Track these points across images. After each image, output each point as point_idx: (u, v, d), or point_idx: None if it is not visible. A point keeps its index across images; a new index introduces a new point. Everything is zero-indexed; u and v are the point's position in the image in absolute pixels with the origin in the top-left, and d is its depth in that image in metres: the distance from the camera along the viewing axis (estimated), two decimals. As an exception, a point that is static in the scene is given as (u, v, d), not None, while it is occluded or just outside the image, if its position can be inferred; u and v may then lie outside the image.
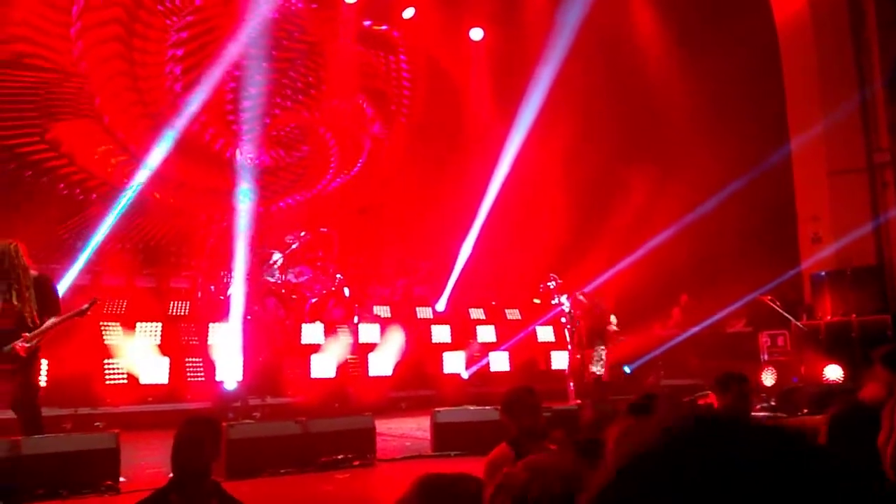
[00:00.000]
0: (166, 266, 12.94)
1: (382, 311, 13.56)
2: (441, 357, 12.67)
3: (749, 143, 13.06)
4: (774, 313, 11.75)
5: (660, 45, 15.26)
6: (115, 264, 11.95)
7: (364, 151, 16.36)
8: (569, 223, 13.84)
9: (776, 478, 0.66)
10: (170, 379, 10.37)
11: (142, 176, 12.92)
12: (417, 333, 12.88)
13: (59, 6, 12.84)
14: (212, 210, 13.74)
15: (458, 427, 7.94)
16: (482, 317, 14.25)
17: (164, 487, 3.72)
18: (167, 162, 13.13)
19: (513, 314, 14.39)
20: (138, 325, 10.45)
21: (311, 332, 11.89)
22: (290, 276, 12.73)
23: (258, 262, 12.36)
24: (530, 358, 13.33)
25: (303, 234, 12.97)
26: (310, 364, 11.34)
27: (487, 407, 7.93)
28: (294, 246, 12.76)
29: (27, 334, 6.31)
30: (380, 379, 11.92)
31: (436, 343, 13.04)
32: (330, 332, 12.02)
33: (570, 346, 10.60)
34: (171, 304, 11.54)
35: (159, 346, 10.48)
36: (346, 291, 13.20)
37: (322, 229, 13.72)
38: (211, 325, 11.01)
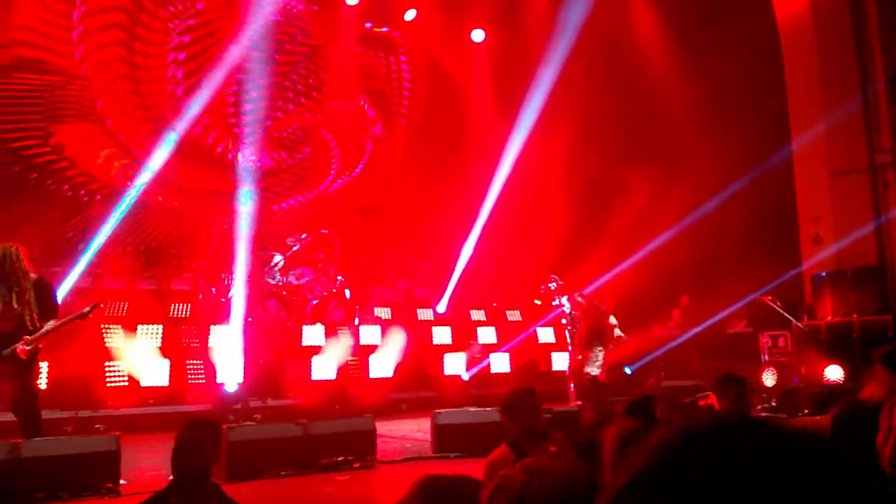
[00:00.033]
0: (167, 268, 12.96)
1: (383, 312, 13.57)
2: (442, 358, 12.67)
3: (750, 143, 13.06)
4: (775, 314, 11.74)
5: (660, 45, 15.26)
6: (116, 267, 11.97)
7: (365, 153, 16.37)
8: (569, 224, 13.84)
9: (778, 479, 0.68)
10: (171, 381, 10.37)
11: (144, 178, 12.94)
12: (418, 335, 12.87)
13: (60, 10, 12.86)
14: (213, 212, 13.75)
15: (458, 429, 7.93)
16: (483, 318, 14.25)
17: (164, 490, 3.72)
18: (169, 165, 13.16)
19: (513, 315, 14.40)
20: (139, 327, 10.46)
21: (312, 334, 11.89)
22: (292, 278, 12.73)
23: (259, 264, 12.37)
24: (531, 359, 13.33)
25: (304, 236, 12.99)
26: (310, 366, 11.34)
27: (488, 408, 7.91)
28: (295, 248, 12.77)
29: (27, 337, 6.31)
30: (380, 380, 11.92)
31: (436, 344, 13.03)
32: (331, 333, 12.02)
33: (570, 348, 10.59)
34: (172, 307, 11.55)
35: (160, 348, 10.49)
36: (347, 293, 13.21)
37: (323, 231, 13.73)
38: (212, 327, 11.02)
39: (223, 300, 11.76)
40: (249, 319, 11.24)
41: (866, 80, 12.78)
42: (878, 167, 12.70)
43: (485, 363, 12.90)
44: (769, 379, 11.18)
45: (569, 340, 10.63)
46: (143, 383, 10.16)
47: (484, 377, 12.65)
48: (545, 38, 14.44)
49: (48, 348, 8.22)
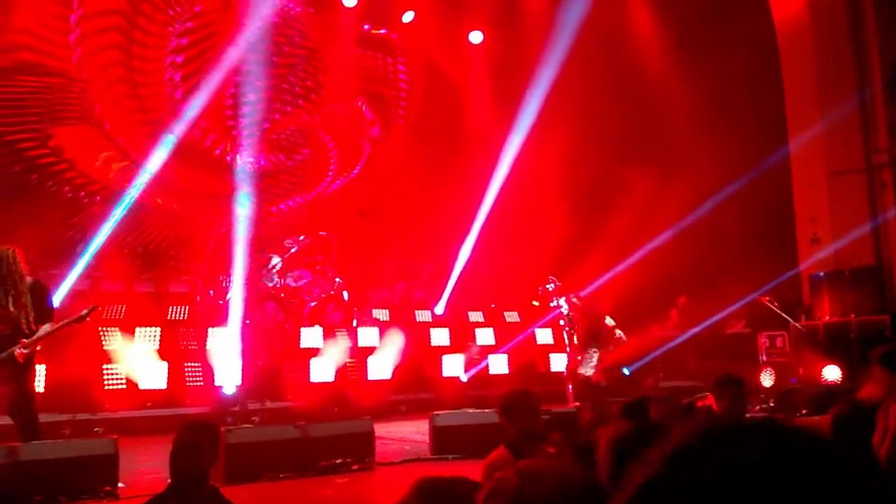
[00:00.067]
0: (165, 271, 12.96)
1: (381, 314, 13.57)
2: (440, 360, 12.67)
3: (748, 143, 13.08)
4: (773, 314, 11.76)
5: (659, 46, 15.28)
6: (114, 269, 11.97)
7: (363, 155, 16.38)
8: (568, 225, 13.84)
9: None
10: (169, 384, 10.37)
11: (143, 181, 12.94)
12: (416, 337, 12.87)
13: (58, 14, 12.86)
14: (211, 215, 13.75)
15: (457, 430, 7.93)
16: (481, 319, 14.24)
17: (163, 493, 3.72)
18: (168, 167, 13.16)
19: (512, 317, 14.39)
20: (137, 329, 10.46)
21: (311, 336, 11.88)
22: (290, 280, 12.74)
23: (257, 266, 12.37)
24: (529, 360, 13.32)
25: (302, 238, 12.99)
26: (309, 368, 11.33)
27: (486, 410, 7.91)
28: (293, 250, 12.78)
29: (25, 340, 6.31)
30: (379, 382, 11.91)
31: (435, 346, 13.03)
32: (329, 335, 12.01)
33: (568, 349, 10.59)
34: (170, 309, 11.55)
35: (158, 350, 10.48)
36: (346, 295, 13.21)
37: (321, 233, 13.73)
38: (210, 329, 11.01)
39: (221, 302, 11.76)
40: (247, 322, 11.24)
41: (863, 81, 12.81)
42: (874, 167, 12.73)
43: (483, 364, 12.90)
44: (767, 379, 11.19)
45: (567, 342, 10.64)
46: (142, 386, 10.16)
47: (482, 378, 12.64)
48: (543, 39, 14.45)
49: (46, 351, 8.22)
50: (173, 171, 13.41)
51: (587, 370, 10.28)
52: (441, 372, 12.54)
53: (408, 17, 16.05)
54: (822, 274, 12.49)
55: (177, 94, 14.00)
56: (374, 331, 12.60)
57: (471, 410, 8.64)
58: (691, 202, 13.22)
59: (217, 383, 10.43)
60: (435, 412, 8.30)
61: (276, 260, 12.59)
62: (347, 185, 16.05)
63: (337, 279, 13.28)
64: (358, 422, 7.83)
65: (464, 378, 12.67)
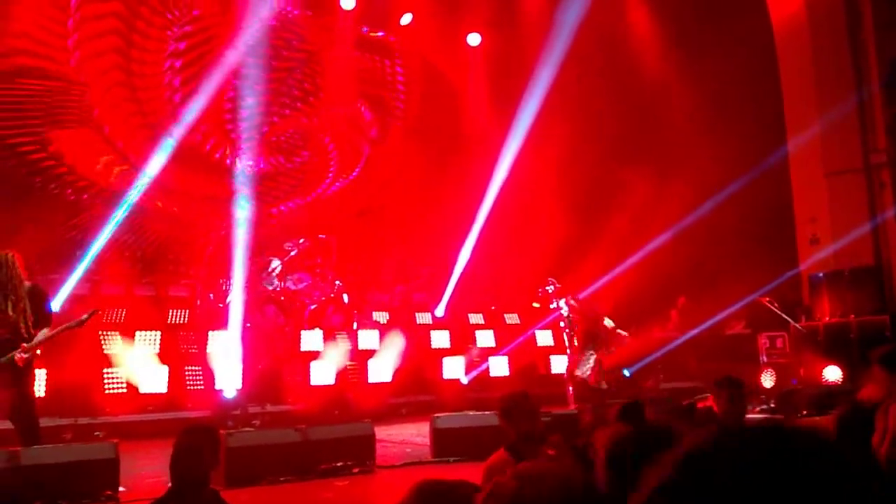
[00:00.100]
0: (165, 275, 12.95)
1: (381, 317, 13.57)
2: (440, 362, 12.66)
3: (747, 144, 13.09)
4: (773, 315, 11.76)
5: (657, 47, 15.30)
6: (114, 273, 11.96)
7: (363, 157, 16.39)
8: (567, 226, 13.85)
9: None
10: (169, 387, 10.36)
11: (142, 184, 12.95)
12: (417, 339, 12.87)
13: (56, 18, 12.87)
14: (211, 218, 13.75)
15: (457, 433, 7.92)
16: (481, 321, 14.24)
17: (163, 497, 3.72)
18: (167, 171, 13.17)
19: (512, 319, 14.39)
20: (137, 333, 10.45)
21: (311, 339, 11.88)
22: (289, 284, 12.74)
23: (257, 269, 12.38)
24: (530, 362, 13.32)
25: (301, 241, 12.99)
26: (309, 371, 11.32)
27: (487, 412, 7.90)
28: (293, 253, 12.79)
29: (25, 345, 6.31)
30: (379, 385, 11.90)
31: (435, 348, 13.02)
32: (329, 338, 12.01)
33: (568, 351, 10.60)
34: (171, 313, 11.55)
35: (158, 354, 10.48)
36: (346, 298, 13.21)
37: (321, 236, 13.73)
38: (210, 333, 11.01)
39: (221, 306, 11.77)
40: (248, 325, 11.25)
41: (861, 81, 12.83)
42: (873, 167, 12.74)
43: (483, 366, 12.89)
44: (768, 380, 11.20)
45: (567, 343, 10.65)
46: (142, 390, 10.15)
47: (483, 381, 12.64)
48: (542, 40, 14.47)
49: (46, 355, 8.22)
50: (173, 175, 13.42)
51: (583, 372, 10.29)
52: (441, 374, 12.54)
53: (406, 19, 16.08)
54: (821, 274, 12.49)
55: (176, 98, 14.01)
56: (375, 333, 12.60)
57: (471, 413, 8.63)
58: (690, 203, 13.23)
59: (217, 387, 10.42)
60: (435, 415, 8.30)
61: (275, 263, 12.59)
62: (347, 187, 16.06)
63: (337, 282, 13.28)
64: (358, 425, 7.83)
65: (464, 380, 12.67)
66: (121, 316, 10.82)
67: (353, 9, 15.51)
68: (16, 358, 6.28)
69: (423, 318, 13.94)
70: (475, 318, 14.24)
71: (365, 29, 16.41)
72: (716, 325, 12.54)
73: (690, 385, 10.97)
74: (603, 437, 2.17)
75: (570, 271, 12.10)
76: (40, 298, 6.62)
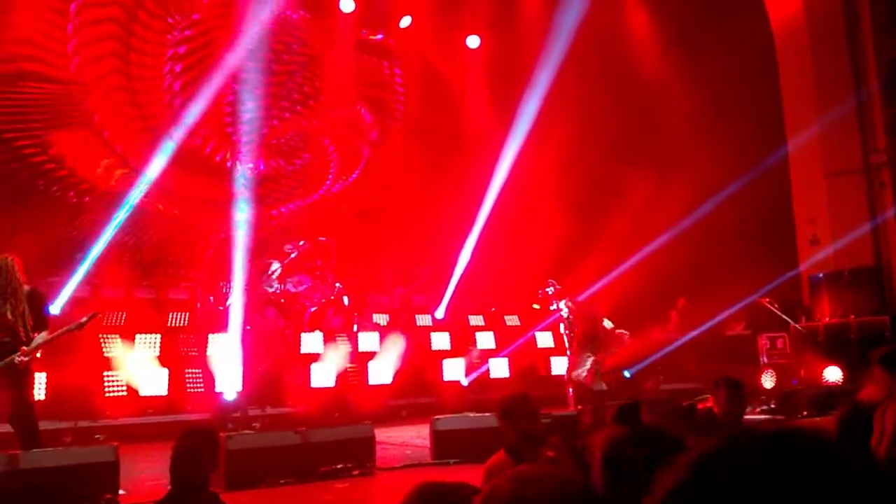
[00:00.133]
0: (165, 277, 12.95)
1: (381, 319, 13.56)
2: (441, 364, 12.65)
3: (747, 144, 13.10)
4: (773, 316, 11.76)
5: (656, 48, 15.32)
6: (114, 276, 11.96)
7: (362, 158, 16.40)
8: (567, 228, 13.85)
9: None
10: (169, 390, 10.35)
11: (143, 187, 12.97)
12: (417, 341, 12.86)
13: (55, 23, 12.88)
14: (212, 221, 13.76)
15: (458, 434, 7.92)
16: (481, 323, 14.23)
17: (163, 500, 3.73)
18: (168, 174, 13.18)
19: (512, 320, 14.38)
20: (137, 336, 10.45)
21: (311, 342, 11.88)
22: (289, 286, 12.74)
23: (257, 272, 12.38)
24: (530, 364, 13.32)
25: (301, 243, 13.00)
26: (309, 373, 11.32)
27: (487, 414, 7.90)
28: (293, 255, 12.79)
29: (25, 348, 6.31)
30: (379, 387, 11.90)
31: (435, 350, 13.02)
32: (329, 340, 12.01)
33: (568, 352, 10.59)
34: (171, 316, 11.55)
35: (159, 357, 10.48)
36: (346, 300, 13.21)
37: (321, 238, 13.74)
38: (210, 335, 11.01)
39: (221, 308, 11.77)
40: (248, 327, 11.24)
41: (860, 82, 12.85)
42: (872, 168, 12.75)
43: (484, 368, 12.89)
44: (768, 381, 11.19)
45: (567, 345, 10.65)
46: (142, 393, 10.15)
47: (483, 382, 12.63)
48: (541, 42, 14.48)
49: (47, 359, 8.22)
50: (174, 178, 13.43)
51: (579, 375, 10.29)
52: (442, 376, 12.53)
53: (405, 21, 16.09)
54: (821, 275, 12.50)
55: (176, 102, 14.02)
56: (375, 335, 12.60)
57: (472, 414, 8.63)
58: (690, 204, 13.23)
59: (217, 389, 10.42)
60: (436, 416, 8.28)
61: (275, 265, 12.60)
62: (347, 189, 16.07)
63: (337, 284, 13.28)
64: (358, 427, 7.83)
65: (464, 382, 12.66)
66: (121, 319, 10.82)
67: (353, 11, 15.53)
68: (15, 361, 6.28)
69: (424, 319, 13.93)
70: (475, 320, 14.24)
71: (364, 32, 16.42)
72: (716, 326, 12.54)
73: (691, 386, 10.96)
74: (599, 439, 2.17)
75: (570, 273, 12.10)
76: (39, 302, 6.63)
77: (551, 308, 10.78)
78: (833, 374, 10.68)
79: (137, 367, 10.18)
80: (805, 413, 9.12)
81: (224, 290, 11.96)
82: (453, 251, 14.79)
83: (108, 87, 13.47)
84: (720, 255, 13.56)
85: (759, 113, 13.70)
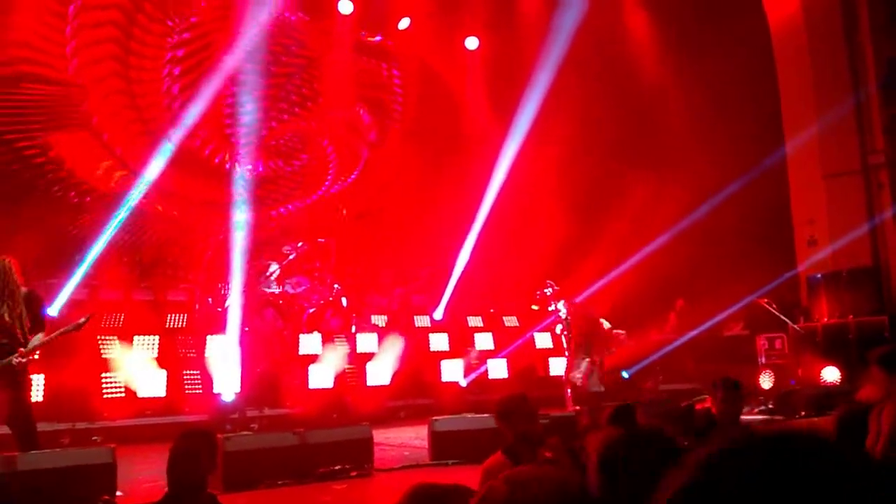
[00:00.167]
0: (163, 279, 12.94)
1: (380, 320, 13.55)
2: (439, 365, 12.65)
3: (745, 146, 13.11)
4: (771, 316, 11.76)
5: (655, 49, 15.33)
6: (112, 278, 11.96)
7: (361, 159, 16.39)
8: (566, 229, 13.86)
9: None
10: (167, 392, 10.35)
11: (142, 189, 12.96)
12: (415, 342, 12.86)
13: (54, 26, 12.88)
14: (210, 222, 13.75)
15: (456, 435, 7.92)
16: (480, 324, 14.23)
17: (160, 501, 3.71)
18: (168, 176, 13.17)
19: (510, 321, 14.38)
20: (136, 338, 10.44)
21: (309, 343, 11.88)
22: (288, 287, 12.73)
23: (255, 273, 12.37)
24: (529, 364, 13.32)
25: (300, 244, 12.99)
26: (308, 374, 11.32)
27: (486, 415, 7.88)
28: (291, 256, 12.78)
29: (22, 349, 6.31)
30: (378, 388, 11.89)
31: (434, 351, 13.01)
32: (328, 341, 12.00)
33: (567, 353, 10.59)
34: (169, 317, 11.54)
35: (157, 359, 10.47)
36: (344, 301, 13.20)
37: (319, 239, 13.73)
38: (208, 337, 11.01)
39: (220, 310, 11.75)
40: (246, 329, 11.24)
41: (858, 82, 12.85)
42: (871, 168, 12.75)
43: (482, 369, 12.88)
44: (766, 381, 11.20)
45: (566, 346, 10.64)
46: (140, 394, 10.14)
47: (482, 383, 12.63)
48: (539, 43, 14.48)
49: (45, 360, 8.22)
50: (172, 179, 13.43)
51: (574, 377, 10.29)
52: (440, 377, 12.53)
53: (404, 23, 16.09)
54: (819, 275, 12.51)
55: (175, 105, 14.01)
56: (373, 336, 12.59)
57: (470, 415, 8.63)
58: (689, 205, 13.24)
59: (216, 391, 10.42)
60: (434, 417, 8.28)
61: (274, 267, 12.59)
62: (345, 189, 16.06)
63: (335, 285, 13.27)
64: (356, 428, 7.82)
65: (463, 383, 12.66)
66: (119, 320, 10.81)
67: (352, 13, 15.53)
68: (13, 362, 6.28)
69: (422, 320, 13.92)
70: (474, 321, 14.23)
71: (363, 33, 16.42)
72: (714, 326, 12.55)
73: (689, 387, 10.97)
74: (595, 441, 2.17)
75: (569, 273, 12.11)
76: (36, 304, 6.63)
77: (550, 309, 10.78)
78: (831, 374, 10.69)
79: (135, 368, 10.18)
80: (803, 413, 9.13)
81: (222, 292, 11.95)
82: (452, 252, 14.78)
83: (108, 90, 13.46)
84: (719, 255, 13.56)
85: (758, 114, 13.72)
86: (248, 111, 14.43)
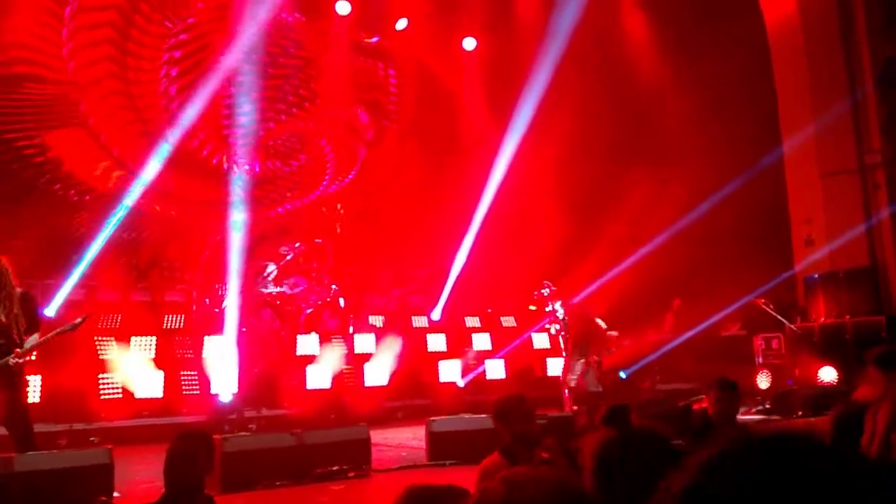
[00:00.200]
0: (161, 280, 12.93)
1: (377, 320, 13.55)
2: (437, 366, 12.66)
3: (743, 145, 13.13)
4: (769, 316, 11.78)
5: (653, 50, 15.34)
6: (109, 279, 11.95)
7: (359, 160, 16.39)
8: (563, 229, 13.87)
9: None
10: (165, 393, 10.35)
11: (139, 189, 12.95)
12: (413, 342, 12.87)
13: (51, 27, 12.86)
14: (208, 223, 13.74)
15: (453, 436, 7.92)
16: (477, 325, 14.24)
17: (157, 502, 3.71)
18: (165, 176, 13.16)
19: (508, 321, 14.39)
20: (133, 339, 10.44)
21: (307, 343, 11.88)
22: (285, 288, 12.72)
23: (253, 274, 12.36)
24: (526, 365, 13.33)
25: (297, 244, 12.98)
26: (305, 375, 11.32)
27: (483, 415, 7.88)
28: (289, 257, 12.78)
29: (19, 350, 6.30)
30: (375, 389, 11.90)
31: (431, 352, 13.02)
32: (325, 342, 12.00)
33: (564, 354, 10.60)
34: (166, 318, 11.54)
35: (154, 359, 10.46)
36: (342, 302, 13.20)
37: (317, 240, 13.73)
38: (206, 338, 11.00)
39: (217, 311, 11.75)
40: (243, 329, 11.23)
41: (854, 82, 12.87)
42: (867, 168, 12.77)
43: (480, 370, 12.89)
44: (763, 381, 11.21)
45: (563, 346, 10.65)
46: (138, 395, 10.14)
47: (479, 384, 12.64)
48: (537, 44, 14.49)
49: (41, 361, 8.21)
50: (171, 180, 13.41)
51: (570, 379, 10.30)
52: (438, 378, 12.54)
53: (401, 24, 16.08)
54: (816, 275, 12.52)
55: (173, 106, 14.00)
56: (371, 337, 12.60)
57: (468, 416, 8.64)
58: (686, 204, 13.25)
59: (213, 391, 10.41)
60: (432, 418, 8.29)
61: (271, 267, 12.59)
62: (343, 190, 16.06)
63: (333, 286, 13.26)
64: (354, 428, 7.82)
65: (461, 383, 12.67)
66: (116, 321, 10.80)
67: (349, 14, 15.52)
68: (10, 362, 6.27)
69: (420, 321, 13.93)
70: (471, 322, 14.24)
71: (361, 34, 16.41)
72: (711, 326, 12.56)
73: (687, 387, 10.98)
74: (590, 442, 2.17)
75: (567, 274, 12.11)
76: (32, 304, 6.63)
77: (547, 309, 10.78)
78: (828, 374, 10.70)
79: (133, 369, 10.17)
80: (800, 413, 9.14)
81: (220, 293, 11.94)
82: (450, 252, 14.78)
83: (105, 92, 13.45)
84: (716, 255, 13.58)
85: (755, 114, 13.74)
86: (246, 112, 14.42)
